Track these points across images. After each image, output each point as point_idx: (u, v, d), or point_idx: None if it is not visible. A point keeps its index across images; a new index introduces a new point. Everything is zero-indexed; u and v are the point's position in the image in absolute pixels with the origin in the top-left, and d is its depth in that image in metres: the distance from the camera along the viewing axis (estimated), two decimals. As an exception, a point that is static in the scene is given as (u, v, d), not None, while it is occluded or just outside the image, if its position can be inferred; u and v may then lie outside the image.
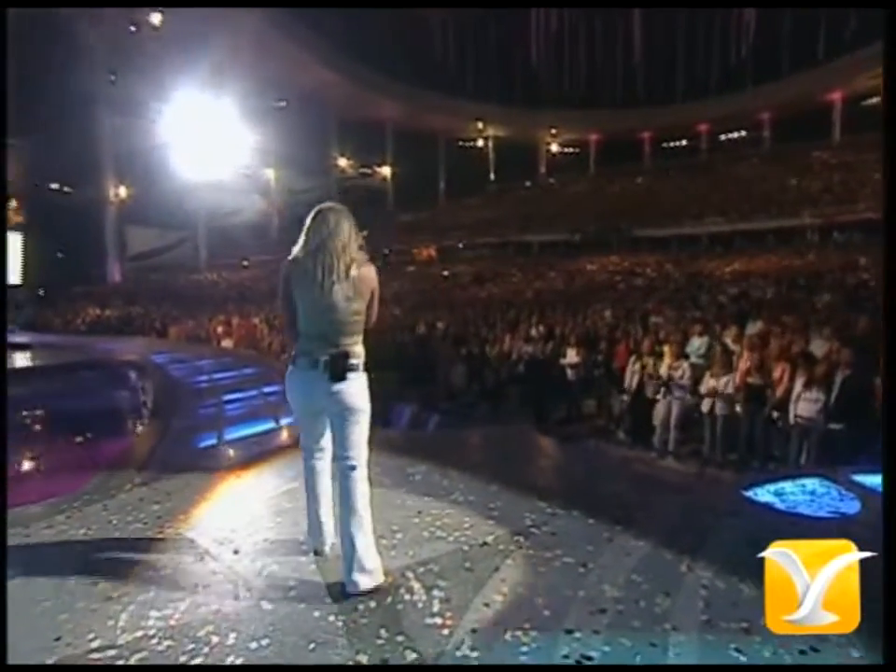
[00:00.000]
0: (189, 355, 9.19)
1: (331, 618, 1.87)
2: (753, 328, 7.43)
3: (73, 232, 29.07)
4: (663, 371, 6.21)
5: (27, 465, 4.71)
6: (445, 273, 26.36)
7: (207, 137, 31.48)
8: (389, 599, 1.97)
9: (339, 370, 2.00)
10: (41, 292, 27.94)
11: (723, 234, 29.96)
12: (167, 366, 8.10)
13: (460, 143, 44.69)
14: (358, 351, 2.08)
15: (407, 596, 1.98)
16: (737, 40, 39.15)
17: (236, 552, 2.35)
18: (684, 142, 43.65)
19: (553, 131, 44.77)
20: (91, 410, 6.61)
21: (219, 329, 12.69)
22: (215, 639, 1.78)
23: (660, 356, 6.38)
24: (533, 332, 8.56)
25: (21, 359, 10.51)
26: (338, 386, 2.00)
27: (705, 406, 5.64)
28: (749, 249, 24.77)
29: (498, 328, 9.49)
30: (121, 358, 8.61)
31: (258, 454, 3.74)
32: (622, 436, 6.77)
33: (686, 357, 6.47)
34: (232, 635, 1.80)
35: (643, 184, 39.99)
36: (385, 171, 42.40)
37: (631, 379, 6.50)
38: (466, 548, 2.33)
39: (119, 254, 30.67)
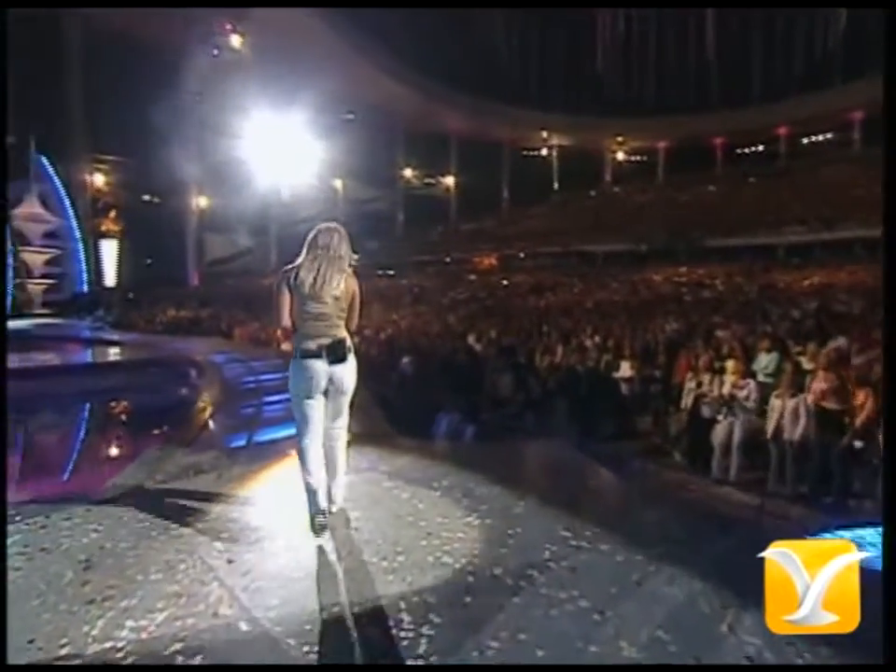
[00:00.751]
0: (246, 356, 9.39)
1: (304, 648, 1.69)
2: (833, 344, 6.68)
3: (160, 240, 31.12)
4: (726, 389, 5.64)
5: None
6: (505, 281, 26.00)
7: (280, 150, 32.91)
8: (373, 632, 1.75)
9: (340, 353, 2.42)
10: (130, 295, 29.95)
11: (801, 244, 27.91)
12: (224, 365, 8.31)
13: (524, 152, 44.28)
14: (347, 337, 2.49)
15: (392, 631, 1.76)
16: (823, 32, 36.48)
17: (230, 561, 2.23)
18: (761, 147, 41.13)
19: (620, 138, 43.51)
20: (149, 404, 6.88)
21: (279, 332, 12.95)
22: (179, 659, 1.64)
23: (722, 372, 5.81)
24: (587, 343, 8.12)
25: (106, 355, 11.24)
26: (339, 367, 2.43)
27: (770, 429, 5.05)
28: (831, 260, 22.84)
29: (552, 337, 9.11)
30: (185, 357, 8.93)
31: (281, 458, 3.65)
32: (677, 457, 6.22)
33: (753, 374, 5.86)
34: (198, 657, 1.65)
35: (715, 192, 38.00)
36: (449, 181, 42.64)
37: (688, 396, 5.96)
38: (471, 579, 2.08)
39: (199, 260, 32.48)
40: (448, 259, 35.57)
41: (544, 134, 42.75)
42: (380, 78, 35.63)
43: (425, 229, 40.24)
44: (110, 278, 27.76)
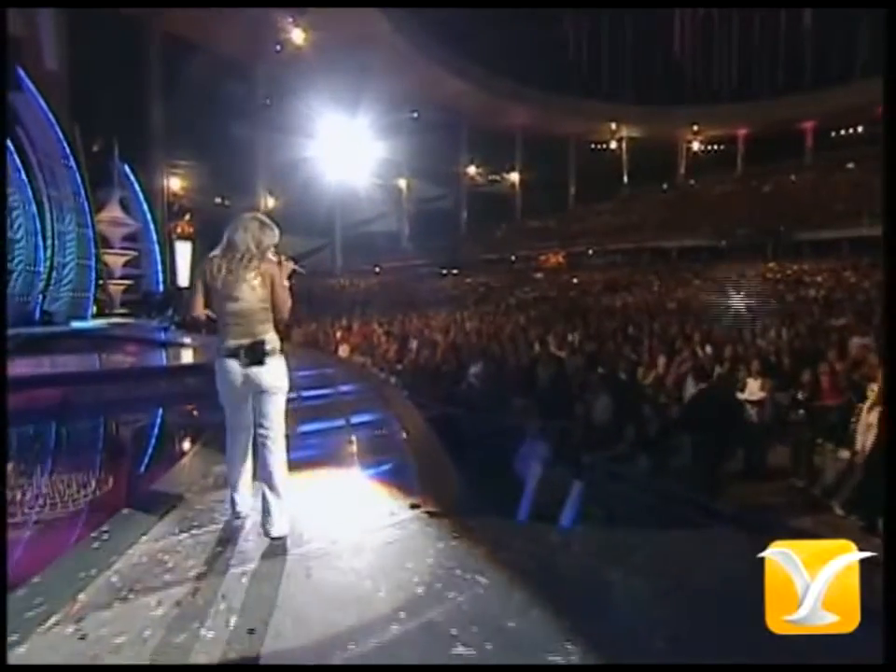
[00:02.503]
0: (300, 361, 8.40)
1: None
2: None
3: (231, 241, 31.44)
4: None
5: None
6: (575, 279, 24.21)
7: (344, 150, 32.67)
8: None
9: (257, 355, 2.25)
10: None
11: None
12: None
13: (592, 146, 41.85)
14: (271, 338, 2.31)
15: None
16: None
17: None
18: (860, 128, 36.59)
19: (695, 128, 40.16)
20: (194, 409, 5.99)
21: (338, 334, 12.12)
22: None
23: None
24: (699, 353, 6.53)
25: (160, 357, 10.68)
26: (257, 370, 2.25)
27: None
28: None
29: (645, 344, 7.55)
30: None
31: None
32: (838, 511, 4.59)
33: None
34: None
35: (805, 180, 34.20)
36: (514, 177, 40.95)
37: (865, 434, 4.32)
38: None
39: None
40: (513, 258, 34.03)
41: (613, 126, 40.12)
42: (443, 76, 34.50)
43: (489, 227, 38.84)
44: (184, 278, 28.28)
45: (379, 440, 3.59)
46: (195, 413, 5.32)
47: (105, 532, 2.18)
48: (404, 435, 3.67)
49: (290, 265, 2.38)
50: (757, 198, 33.65)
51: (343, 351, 11.21)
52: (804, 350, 7.37)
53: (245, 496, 2.37)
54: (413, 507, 2.48)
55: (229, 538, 2.26)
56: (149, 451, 4.16)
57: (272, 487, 2.24)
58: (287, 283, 2.35)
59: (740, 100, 37.61)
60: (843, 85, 34.08)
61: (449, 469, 3.15)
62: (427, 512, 2.42)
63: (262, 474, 2.30)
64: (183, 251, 29.21)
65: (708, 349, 6.74)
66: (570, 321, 11.54)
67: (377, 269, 35.33)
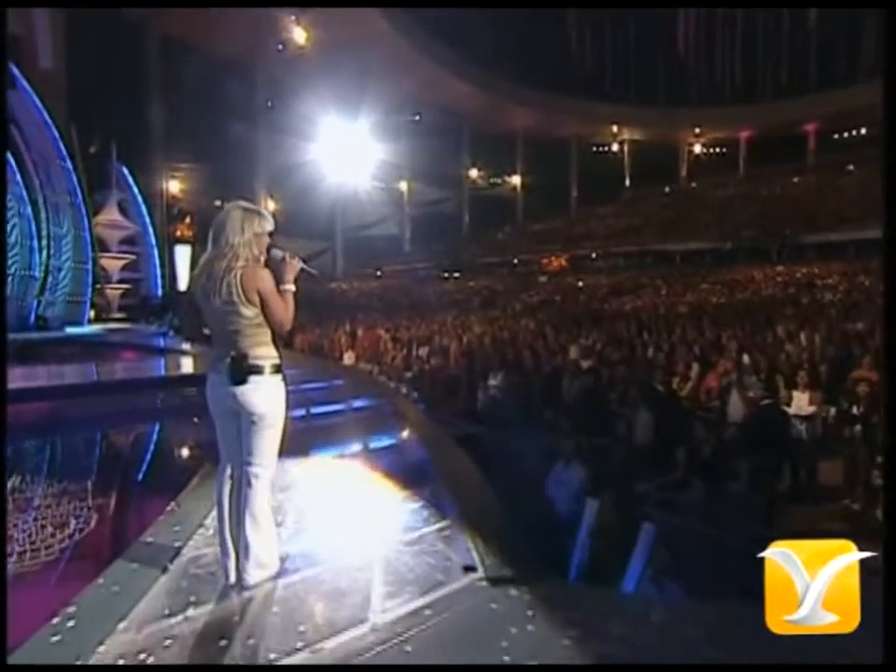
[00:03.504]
0: (296, 364, 7.84)
1: None
2: None
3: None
4: None
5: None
6: (580, 283, 23.71)
7: (345, 153, 32.20)
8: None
9: (239, 373, 1.86)
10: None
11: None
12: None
13: (594, 148, 41.44)
14: (262, 353, 1.90)
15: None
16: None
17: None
18: (863, 131, 36.25)
19: (697, 130, 39.79)
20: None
21: (343, 340, 11.57)
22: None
23: None
24: (732, 361, 6.00)
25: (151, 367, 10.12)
26: (240, 390, 1.87)
27: None
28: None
29: (673, 352, 7.02)
30: None
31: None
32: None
33: None
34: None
35: (808, 183, 33.82)
36: (516, 180, 40.51)
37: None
38: None
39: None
40: (516, 261, 33.57)
41: (615, 129, 39.76)
42: (445, 78, 34.09)
43: (491, 230, 38.37)
44: (184, 282, 27.75)
45: (407, 473, 3.04)
46: (194, 431, 4.77)
47: (70, 617, 1.64)
48: (437, 466, 3.14)
49: (297, 264, 2.00)
50: (759, 201, 33.26)
51: (349, 358, 10.67)
52: (838, 358, 6.88)
53: (232, 548, 1.92)
54: (467, 570, 1.96)
55: (237, 615, 1.73)
56: (136, 486, 3.54)
57: (248, 530, 1.88)
58: (291, 286, 1.97)
59: (743, 102, 37.28)
60: (845, 87, 33.74)
61: (496, 510, 2.61)
62: (487, 579, 1.89)
63: (241, 511, 1.91)
64: (182, 254, 28.66)
65: (746, 358, 6.21)
66: (585, 327, 11.01)
67: (378, 272, 34.87)
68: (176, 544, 2.15)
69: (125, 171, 21.44)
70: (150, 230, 22.90)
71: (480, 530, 2.23)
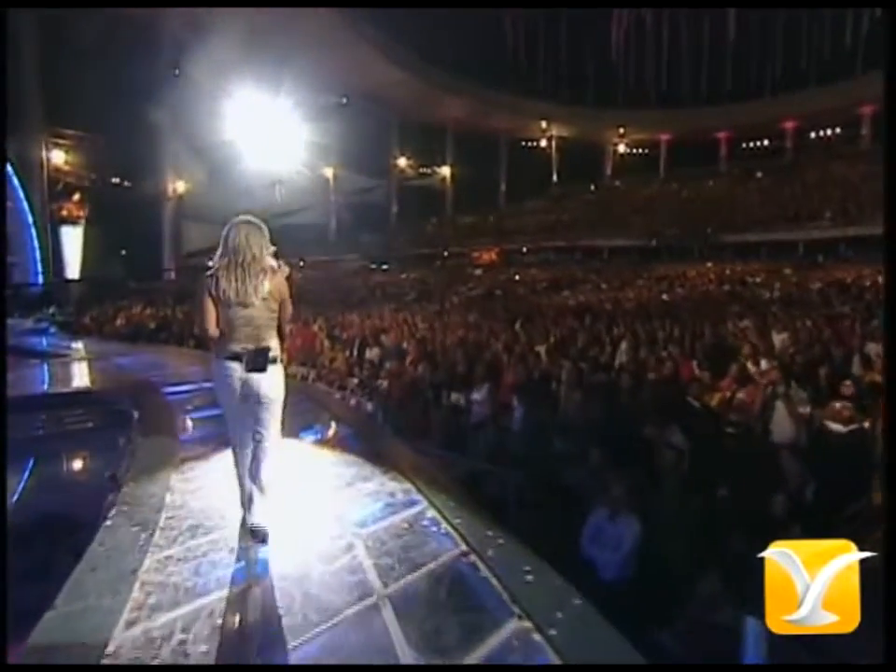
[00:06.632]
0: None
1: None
2: None
3: (130, 228, 27.17)
4: None
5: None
6: (517, 276, 22.92)
7: (267, 134, 29.47)
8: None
9: (260, 362, 2.19)
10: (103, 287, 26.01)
11: (824, 240, 25.42)
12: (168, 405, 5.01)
13: (523, 143, 41.12)
14: (275, 345, 2.28)
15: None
16: (832, 24, 34.03)
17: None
18: (766, 142, 38.72)
19: (622, 130, 40.65)
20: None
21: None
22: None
23: None
24: (762, 367, 5.01)
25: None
26: (258, 376, 2.20)
27: None
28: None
29: (669, 354, 5.97)
30: (118, 391, 5.41)
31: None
32: None
33: None
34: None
35: (721, 186, 35.50)
36: (445, 171, 39.29)
37: None
38: None
39: (175, 251, 28.52)
40: (446, 253, 32.45)
41: (544, 125, 39.63)
42: (376, 61, 32.04)
43: (420, 221, 36.95)
44: (73, 270, 23.88)
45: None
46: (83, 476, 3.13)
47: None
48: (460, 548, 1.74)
49: (286, 270, 2.32)
50: (679, 201, 34.47)
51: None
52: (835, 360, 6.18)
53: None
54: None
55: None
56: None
57: (258, 484, 2.24)
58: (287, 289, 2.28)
59: (662, 106, 38.44)
60: (756, 99, 35.72)
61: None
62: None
63: (252, 469, 2.27)
64: (71, 237, 24.73)
65: (764, 363, 5.28)
66: (545, 323, 9.93)
67: (301, 262, 32.37)
68: None
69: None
70: (24, 205, 19.19)
71: None
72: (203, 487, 2.87)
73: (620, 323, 9.52)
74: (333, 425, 4.15)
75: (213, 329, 2.20)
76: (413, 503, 2.44)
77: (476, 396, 4.71)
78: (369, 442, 3.49)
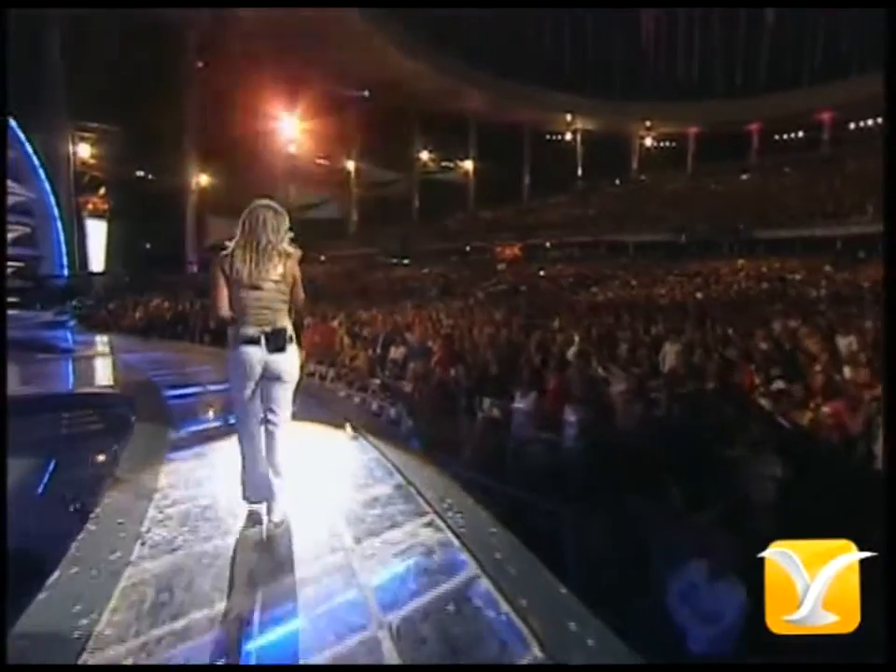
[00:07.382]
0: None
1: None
2: None
3: (156, 221, 27.05)
4: None
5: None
6: (542, 272, 22.09)
7: (288, 127, 29.09)
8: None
9: (280, 342, 2.21)
10: (126, 279, 25.85)
11: (866, 236, 23.98)
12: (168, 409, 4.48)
13: (547, 136, 40.04)
14: (289, 326, 2.29)
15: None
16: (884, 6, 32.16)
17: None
18: (800, 133, 36.98)
19: (648, 123, 39.28)
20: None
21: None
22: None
23: None
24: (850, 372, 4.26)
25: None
26: (277, 357, 2.21)
27: None
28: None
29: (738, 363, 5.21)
30: (118, 396, 4.86)
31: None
32: None
33: None
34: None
35: (752, 180, 33.99)
36: (468, 165, 38.48)
37: None
38: None
39: (198, 244, 28.32)
40: (468, 248, 31.64)
41: (568, 118, 38.50)
42: (397, 55, 31.35)
43: (442, 215, 36.20)
44: (98, 263, 23.79)
45: None
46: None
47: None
48: None
49: (298, 252, 2.32)
50: (708, 196, 33.08)
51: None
52: None
53: (264, 485, 2.29)
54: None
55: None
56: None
57: (276, 472, 2.26)
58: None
59: (691, 98, 37.00)
60: (792, 89, 34.11)
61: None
62: None
63: (269, 459, 2.29)
64: (96, 231, 24.66)
65: (847, 371, 4.52)
66: (575, 321, 9.19)
67: (322, 257, 31.95)
68: None
69: (13, 124, 17.55)
70: (51, 199, 19.04)
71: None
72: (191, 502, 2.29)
73: (658, 321, 8.76)
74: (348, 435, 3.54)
75: (225, 311, 2.18)
76: (456, 566, 1.79)
77: (520, 405, 4.05)
78: (393, 462, 2.86)
